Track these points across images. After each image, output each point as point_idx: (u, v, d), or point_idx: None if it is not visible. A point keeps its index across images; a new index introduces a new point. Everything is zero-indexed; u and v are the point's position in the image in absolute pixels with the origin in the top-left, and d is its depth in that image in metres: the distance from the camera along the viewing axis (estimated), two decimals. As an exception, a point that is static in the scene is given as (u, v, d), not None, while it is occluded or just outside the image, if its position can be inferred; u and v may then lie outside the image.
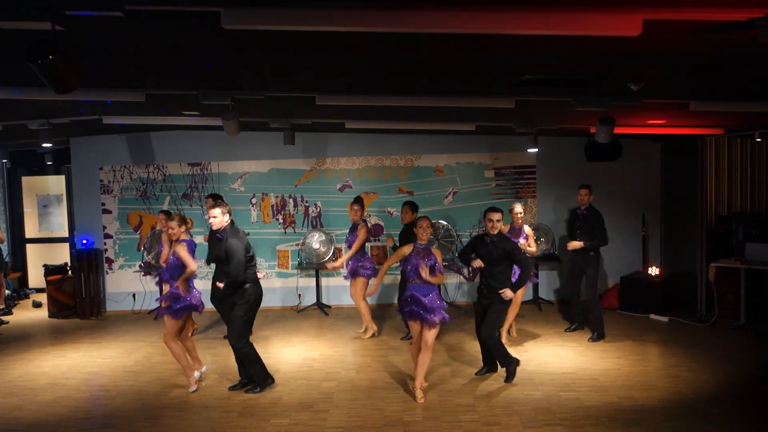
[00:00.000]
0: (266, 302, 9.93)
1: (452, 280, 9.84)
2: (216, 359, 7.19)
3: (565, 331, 8.03)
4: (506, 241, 6.10)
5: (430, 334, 5.69)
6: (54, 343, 8.27)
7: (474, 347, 7.44)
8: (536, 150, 8.79)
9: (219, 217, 5.79)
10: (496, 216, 5.94)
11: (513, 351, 7.22)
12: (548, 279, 9.96)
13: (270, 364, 6.96)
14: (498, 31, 3.05)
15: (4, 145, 10.97)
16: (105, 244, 10.01)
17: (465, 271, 6.41)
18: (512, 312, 7.44)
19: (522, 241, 7.46)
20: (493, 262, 6.01)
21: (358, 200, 8.07)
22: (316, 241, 9.69)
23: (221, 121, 6.18)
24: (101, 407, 5.84)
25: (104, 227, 10.02)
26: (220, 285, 5.98)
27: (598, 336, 7.58)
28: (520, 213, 7.58)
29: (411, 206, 7.80)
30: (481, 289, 6.19)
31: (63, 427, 5.41)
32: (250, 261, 5.93)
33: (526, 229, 7.67)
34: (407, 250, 5.77)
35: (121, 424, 5.43)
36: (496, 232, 5.95)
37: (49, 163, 11.54)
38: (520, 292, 7.18)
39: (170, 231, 6.08)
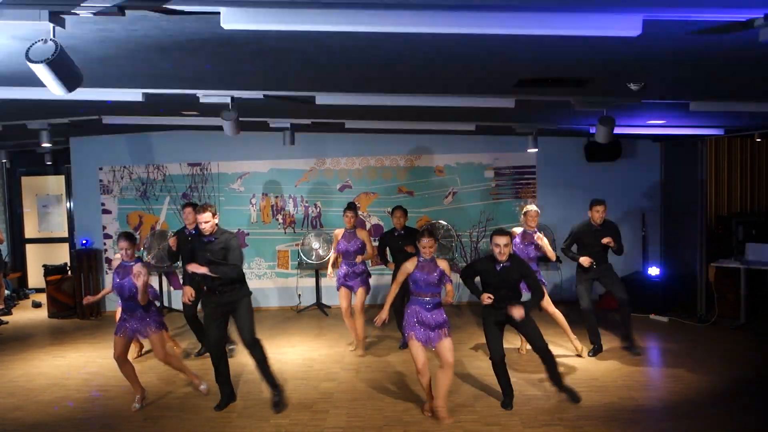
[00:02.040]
0: (266, 302, 10.05)
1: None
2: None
3: (590, 354, 7.09)
4: (521, 264, 5.55)
5: (449, 351, 5.20)
6: (54, 343, 8.27)
7: (473, 346, 7.44)
8: (536, 150, 8.79)
9: (211, 221, 5.53)
10: (503, 240, 5.31)
11: (513, 350, 7.24)
12: (547, 279, 9.95)
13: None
14: (498, 31, 3.05)
15: (4, 145, 10.97)
16: (105, 244, 10.01)
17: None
18: None
19: (536, 271, 6.78)
20: (508, 286, 5.44)
21: (352, 206, 7.46)
22: (316, 241, 9.69)
23: (221, 121, 6.17)
24: (101, 407, 5.84)
25: (104, 227, 10.02)
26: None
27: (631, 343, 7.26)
28: (536, 216, 6.97)
29: (403, 210, 7.46)
30: (492, 312, 5.47)
31: (62, 427, 5.41)
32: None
33: (536, 237, 6.97)
34: (411, 266, 5.29)
35: (120, 424, 5.43)
36: (505, 258, 5.36)
37: (48, 163, 11.55)
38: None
39: (126, 252, 5.67)
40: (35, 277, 11.72)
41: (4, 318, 9.71)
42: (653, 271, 9.23)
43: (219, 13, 2.96)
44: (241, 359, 6.86)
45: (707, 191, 8.77)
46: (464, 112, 6.74)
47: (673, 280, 9.17)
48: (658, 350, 7.44)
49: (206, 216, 5.52)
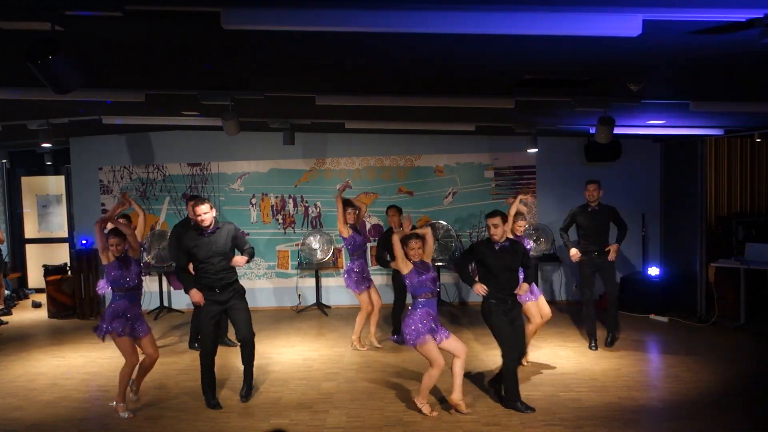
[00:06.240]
0: (266, 302, 10.04)
1: (448, 279, 9.88)
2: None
3: (591, 347, 7.20)
4: (517, 244, 5.64)
5: (458, 342, 5.46)
6: (53, 343, 8.27)
7: (473, 347, 7.43)
8: (536, 150, 8.79)
9: (210, 212, 5.57)
10: (495, 220, 5.39)
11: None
12: (548, 279, 9.96)
13: (270, 364, 6.98)
14: (498, 31, 3.05)
15: (3, 145, 10.96)
16: (105, 244, 10.00)
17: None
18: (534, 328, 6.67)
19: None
20: (509, 269, 5.47)
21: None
22: (316, 241, 9.68)
23: (221, 121, 6.18)
24: (100, 407, 5.83)
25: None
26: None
27: (614, 339, 7.36)
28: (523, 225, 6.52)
29: (397, 208, 7.73)
30: (498, 305, 5.43)
31: (62, 427, 5.41)
32: None
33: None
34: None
35: (120, 424, 5.43)
36: (501, 238, 5.42)
37: (48, 163, 11.54)
38: (546, 308, 6.65)
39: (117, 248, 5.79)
40: (35, 278, 11.71)
41: (4, 318, 9.70)
42: (653, 271, 9.23)
43: (219, 12, 2.97)
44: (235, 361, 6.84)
45: (707, 191, 8.76)
46: (464, 112, 6.74)
47: (673, 280, 9.17)
48: (658, 350, 7.44)
49: (204, 208, 5.57)
